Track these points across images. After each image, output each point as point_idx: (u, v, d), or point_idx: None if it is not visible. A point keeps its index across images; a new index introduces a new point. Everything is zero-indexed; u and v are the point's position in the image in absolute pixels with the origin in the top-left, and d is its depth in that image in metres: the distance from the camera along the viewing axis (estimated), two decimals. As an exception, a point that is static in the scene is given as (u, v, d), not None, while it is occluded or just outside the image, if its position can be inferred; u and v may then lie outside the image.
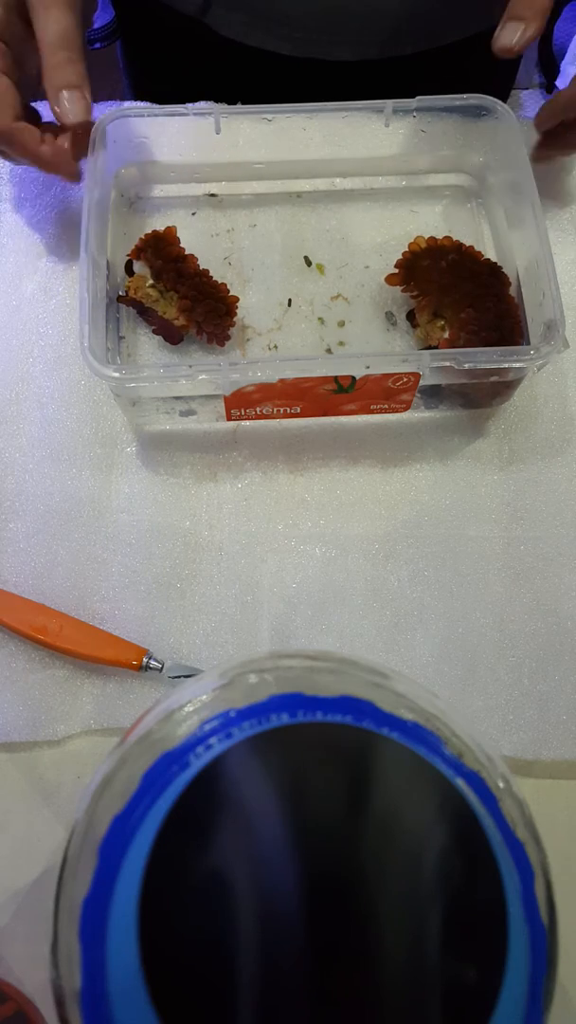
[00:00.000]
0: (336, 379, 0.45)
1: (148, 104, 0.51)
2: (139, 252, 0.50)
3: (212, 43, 0.60)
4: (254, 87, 0.52)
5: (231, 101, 0.52)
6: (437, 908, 0.23)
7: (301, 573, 0.47)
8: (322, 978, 0.22)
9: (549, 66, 1.56)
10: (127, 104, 0.51)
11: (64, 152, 0.47)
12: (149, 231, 0.51)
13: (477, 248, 0.51)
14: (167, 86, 0.52)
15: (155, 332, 0.51)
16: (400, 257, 0.51)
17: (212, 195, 0.56)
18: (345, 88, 0.52)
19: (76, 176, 0.49)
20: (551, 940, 0.25)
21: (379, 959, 0.23)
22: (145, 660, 0.44)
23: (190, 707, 0.28)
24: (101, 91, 0.65)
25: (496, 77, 0.71)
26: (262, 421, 0.50)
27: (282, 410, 0.48)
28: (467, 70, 0.60)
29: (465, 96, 0.50)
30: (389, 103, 0.51)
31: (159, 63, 0.59)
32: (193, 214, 0.56)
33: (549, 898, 0.25)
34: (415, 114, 0.52)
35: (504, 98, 0.72)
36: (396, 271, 0.51)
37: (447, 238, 0.51)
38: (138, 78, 0.72)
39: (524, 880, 0.25)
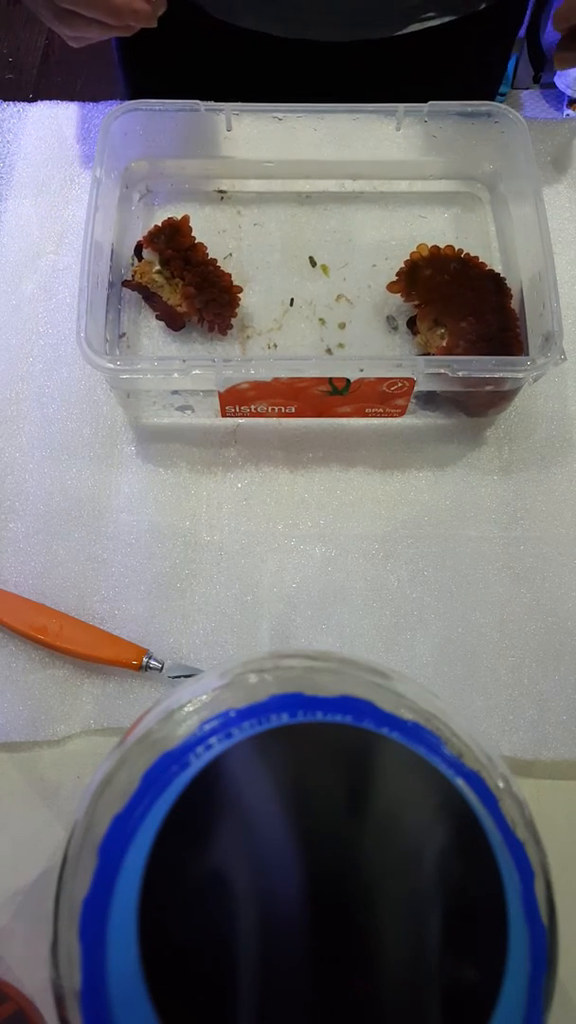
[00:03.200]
0: (331, 380, 0.45)
1: (159, 100, 0.51)
2: (152, 238, 0.50)
3: (205, 27, 0.59)
4: (247, 73, 0.51)
5: (226, 88, 0.52)
6: (437, 908, 0.23)
7: (301, 573, 0.47)
8: (322, 978, 0.22)
9: (538, 59, 1.57)
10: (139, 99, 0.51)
11: None
12: (158, 223, 0.51)
13: (485, 256, 0.51)
14: (161, 75, 0.51)
15: (158, 318, 0.52)
16: (402, 265, 0.51)
17: (220, 191, 0.56)
18: (338, 71, 0.51)
19: (152, 18, 0.46)
20: (551, 940, 0.25)
21: (379, 958, 0.23)
22: (145, 660, 0.44)
23: (190, 707, 0.28)
24: (103, 92, 0.65)
25: (487, 57, 0.70)
26: (261, 421, 0.50)
27: (277, 409, 0.48)
28: (458, 50, 0.59)
29: (477, 103, 0.50)
30: (400, 107, 0.51)
31: (153, 51, 0.58)
32: (200, 209, 0.56)
33: (549, 898, 0.25)
34: (427, 119, 0.52)
35: (497, 77, 0.72)
36: (397, 278, 0.51)
37: (449, 247, 0.51)
38: (132, 69, 0.71)
39: (524, 880, 0.25)
